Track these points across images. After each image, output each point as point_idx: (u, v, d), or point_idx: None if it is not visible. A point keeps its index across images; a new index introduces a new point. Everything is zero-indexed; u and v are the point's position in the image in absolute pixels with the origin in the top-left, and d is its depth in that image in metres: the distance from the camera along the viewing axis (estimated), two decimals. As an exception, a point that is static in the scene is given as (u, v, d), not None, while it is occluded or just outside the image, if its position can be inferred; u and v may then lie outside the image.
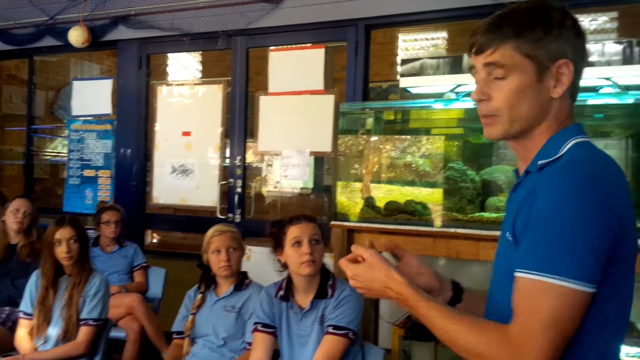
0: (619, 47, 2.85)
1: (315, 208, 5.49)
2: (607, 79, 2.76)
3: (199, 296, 2.46)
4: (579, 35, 1.03)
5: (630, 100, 2.51)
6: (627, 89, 2.67)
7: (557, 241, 0.89)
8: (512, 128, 1.03)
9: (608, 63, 2.78)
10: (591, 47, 3.17)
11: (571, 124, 1.04)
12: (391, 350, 2.94)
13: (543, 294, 0.89)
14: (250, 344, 2.14)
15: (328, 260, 2.88)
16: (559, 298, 0.88)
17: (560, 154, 0.99)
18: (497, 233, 2.51)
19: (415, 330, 2.84)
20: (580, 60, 1.03)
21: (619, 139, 2.74)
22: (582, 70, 1.04)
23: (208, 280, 2.47)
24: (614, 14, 5.59)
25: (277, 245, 2.07)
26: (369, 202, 2.96)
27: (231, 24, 3.63)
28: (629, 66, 2.77)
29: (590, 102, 2.51)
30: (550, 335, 0.88)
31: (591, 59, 3.13)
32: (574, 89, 1.04)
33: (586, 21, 5.66)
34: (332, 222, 2.84)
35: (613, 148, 2.68)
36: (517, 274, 0.93)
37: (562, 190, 0.91)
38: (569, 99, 1.04)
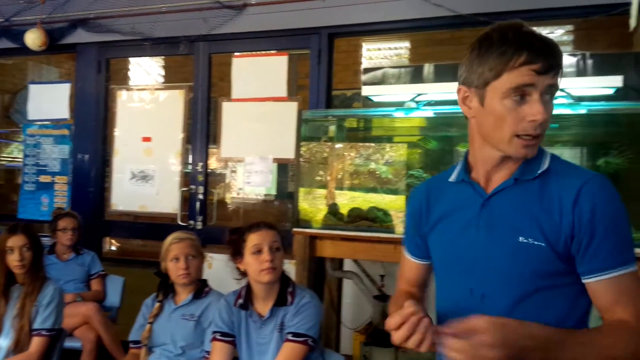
0: (573, 60, 2.95)
1: (279, 215, 5.48)
2: (562, 90, 2.85)
3: (157, 305, 2.42)
4: None
5: (582, 111, 2.59)
6: (580, 99, 2.76)
7: (626, 240, 1.04)
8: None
9: (563, 75, 2.87)
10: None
11: None
12: (352, 356, 2.95)
13: (636, 281, 1.03)
14: (209, 352, 2.11)
15: (290, 267, 2.89)
16: None
17: (547, 166, 1.09)
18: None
19: (375, 336, 2.86)
20: None
21: (572, 147, 2.83)
22: None
23: (166, 288, 2.43)
24: (570, 27, 5.79)
25: (236, 253, 2.05)
26: (332, 209, 2.98)
27: (193, 29, 3.60)
28: (582, 78, 2.88)
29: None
30: None
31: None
32: None
33: (544, 34, 5.84)
34: (295, 229, 2.84)
35: (567, 157, 2.77)
36: (609, 274, 1.02)
37: (616, 200, 1.04)
38: None
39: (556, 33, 5.81)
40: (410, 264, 1.32)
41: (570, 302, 1.08)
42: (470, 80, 1.09)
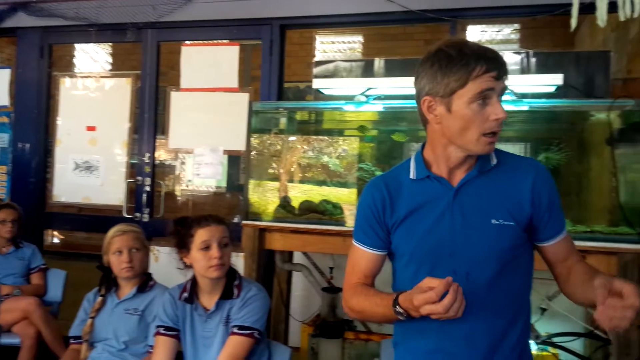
0: (517, 58, 3.04)
1: (230, 207, 5.42)
2: (506, 87, 2.92)
3: (99, 299, 2.35)
4: None
5: (525, 108, 2.67)
6: (523, 96, 2.84)
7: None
8: None
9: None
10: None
11: None
12: (300, 348, 2.97)
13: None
14: (152, 347, 2.07)
15: (240, 260, 2.86)
16: None
17: (496, 159, 1.30)
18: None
19: (324, 328, 2.88)
20: None
21: (514, 143, 2.92)
22: None
23: (109, 282, 2.36)
24: (517, 26, 5.95)
25: (182, 246, 2.01)
26: (284, 202, 2.97)
27: (141, 16, 3.50)
28: (525, 75, 2.96)
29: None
30: None
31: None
32: None
33: (492, 32, 5.99)
34: (244, 222, 2.81)
35: (512, 152, 2.85)
36: (562, 236, 1.32)
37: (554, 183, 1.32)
38: None
39: (505, 31, 5.97)
40: (368, 256, 1.39)
41: (529, 263, 1.34)
42: (435, 90, 1.23)
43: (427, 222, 1.29)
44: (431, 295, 1.09)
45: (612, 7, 2.33)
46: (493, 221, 1.25)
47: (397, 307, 1.20)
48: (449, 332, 1.26)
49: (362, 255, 1.40)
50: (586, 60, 2.94)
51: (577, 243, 1.42)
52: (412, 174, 1.33)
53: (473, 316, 1.22)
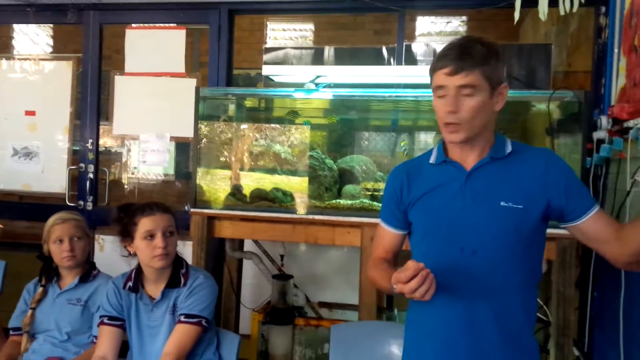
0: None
1: (179, 195, 5.32)
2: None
3: (40, 289, 2.27)
4: (504, 64, 1.40)
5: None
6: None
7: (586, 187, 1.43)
8: (471, 134, 1.36)
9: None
10: (438, 47, 3.41)
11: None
12: (250, 335, 2.96)
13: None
14: (97, 337, 2.03)
15: (188, 248, 2.82)
16: None
17: (511, 148, 1.40)
18: (353, 219, 2.62)
19: (274, 315, 2.88)
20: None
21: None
22: None
23: (50, 272, 2.29)
24: (464, 18, 6.08)
25: (125, 235, 1.97)
26: (233, 190, 2.94)
27: (83, -3, 3.36)
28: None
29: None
30: None
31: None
32: None
33: (441, 23, 6.10)
34: (192, 210, 2.77)
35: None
36: (595, 209, 1.36)
37: (567, 164, 1.41)
38: None
39: (454, 24, 6.09)
40: (389, 234, 1.56)
41: (538, 249, 1.42)
42: (431, 84, 1.39)
43: (441, 202, 1.41)
44: (400, 277, 1.22)
45: (553, 2, 2.41)
46: (502, 203, 1.34)
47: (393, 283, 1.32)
48: (452, 307, 1.37)
49: (384, 233, 1.57)
50: (528, 52, 3.03)
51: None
52: (432, 159, 1.48)
53: (476, 294, 1.36)
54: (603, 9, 2.82)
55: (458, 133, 1.35)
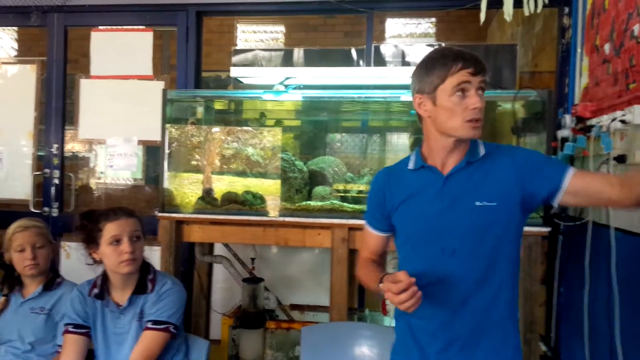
0: (429, 50, 3.12)
1: (150, 200, 5.24)
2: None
3: (2, 299, 2.21)
4: None
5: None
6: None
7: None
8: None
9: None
10: (406, 49, 3.43)
11: None
12: (221, 340, 2.93)
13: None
14: (61, 346, 1.97)
15: (156, 254, 2.78)
16: None
17: (484, 150, 1.46)
18: (323, 221, 2.61)
19: (244, 319, 2.86)
20: None
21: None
22: None
23: (12, 281, 2.22)
24: (434, 20, 6.14)
25: (90, 241, 1.92)
26: (205, 193, 2.91)
27: (47, -1, 3.30)
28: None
29: (404, 98, 2.71)
30: None
31: (407, 59, 3.40)
32: None
33: (411, 25, 6.15)
34: (159, 214, 2.73)
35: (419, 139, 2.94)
36: (572, 171, 1.38)
37: (526, 148, 1.51)
38: None
39: (424, 25, 6.15)
40: (374, 236, 1.64)
41: (514, 242, 1.46)
42: (422, 89, 1.43)
43: (420, 206, 1.48)
44: (392, 287, 1.28)
45: (518, 3, 2.44)
46: (477, 203, 1.41)
47: (380, 285, 1.37)
48: (435, 304, 1.43)
49: (370, 235, 1.65)
50: (494, 53, 3.08)
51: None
52: (410, 165, 1.53)
53: (458, 291, 1.42)
54: (566, 9, 2.88)
55: (479, 129, 1.41)
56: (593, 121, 2.27)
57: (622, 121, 1.92)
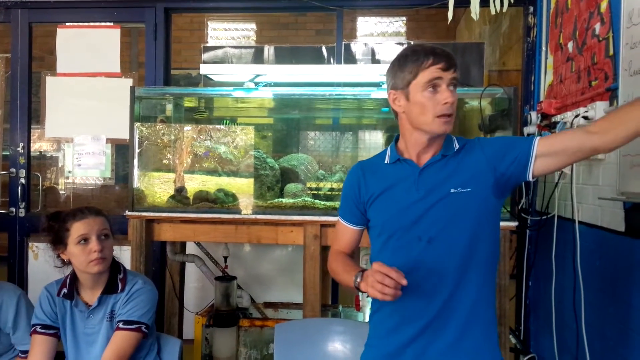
0: (401, 48, 3.15)
1: (120, 200, 5.18)
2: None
3: None
4: None
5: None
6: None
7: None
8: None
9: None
10: (376, 47, 3.46)
11: None
12: (194, 339, 2.91)
13: None
14: (24, 352, 1.94)
15: (126, 253, 2.74)
16: None
17: (458, 145, 1.49)
18: (295, 218, 2.61)
19: (217, 317, 2.85)
20: None
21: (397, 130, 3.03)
22: None
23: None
24: (404, 18, 6.20)
25: (57, 242, 1.89)
26: (176, 192, 2.88)
27: (10, -6, 3.22)
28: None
29: (374, 95, 2.74)
30: None
31: (377, 57, 3.43)
32: None
33: (381, 23, 6.20)
34: (128, 213, 2.69)
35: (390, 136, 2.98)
36: (536, 139, 1.41)
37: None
38: None
39: (395, 24, 6.20)
40: (349, 230, 1.65)
41: (492, 229, 1.49)
42: (396, 84, 1.45)
43: (397, 198, 1.50)
44: (390, 271, 1.28)
45: (485, 2, 2.49)
46: (452, 190, 1.44)
47: (358, 279, 1.40)
48: (412, 293, 1.42)
49: (344, 229, 1.66)
50: (462, 51, 3.12)
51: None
52: (386, 159, 1.55)
53: (435, 279, 1.44)
54: (531, 8, 2.95)
55: (451, 124, 1.44)
56: (557, 117, 2.33)
57: (585, 117, 1.98)
